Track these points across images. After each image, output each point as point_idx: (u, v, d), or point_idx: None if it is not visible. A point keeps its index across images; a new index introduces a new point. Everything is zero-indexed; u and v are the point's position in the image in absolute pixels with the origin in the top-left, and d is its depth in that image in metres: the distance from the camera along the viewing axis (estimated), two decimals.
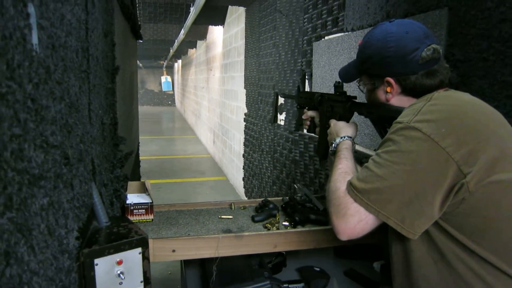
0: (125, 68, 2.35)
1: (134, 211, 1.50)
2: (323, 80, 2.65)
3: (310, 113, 1.57)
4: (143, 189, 1.60)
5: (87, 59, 1.06)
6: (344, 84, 1.43)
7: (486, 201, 0.90)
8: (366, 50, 1.15)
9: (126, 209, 1.50)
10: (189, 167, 8.24)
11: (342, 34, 2.40)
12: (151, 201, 1.53)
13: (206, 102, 10.06)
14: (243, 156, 5.40)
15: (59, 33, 0.75)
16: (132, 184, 1.60)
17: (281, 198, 1.76)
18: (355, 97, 1.40)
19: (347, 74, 1.28)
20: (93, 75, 1.16)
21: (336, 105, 1.42)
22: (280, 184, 3.65)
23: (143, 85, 26.97)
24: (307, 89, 3.03)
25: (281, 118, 3.64)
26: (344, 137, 1.28)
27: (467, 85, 1.46)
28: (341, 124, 1.35)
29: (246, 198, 5.29)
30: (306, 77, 3.00)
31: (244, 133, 5.30)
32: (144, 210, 1.51)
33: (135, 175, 2.36)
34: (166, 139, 12.31)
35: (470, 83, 1.45)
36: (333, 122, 1.39)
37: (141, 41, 4.13)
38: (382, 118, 1.16)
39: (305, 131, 1.69)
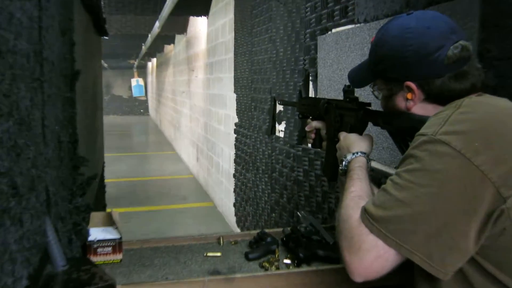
0: (87, 72, 2.36)
1: (98, 250, 1.49)
2: (330, 82, 2.67)
3: (315, 123, 1.58)
4: (110, 222, 1.60)
5: (40, 64, 1.07)
6: (355, 88, 1.45)
7: None
8: (379, 49, 1.17)
9: (88, 247, 1.48)
10: (167, 191, 8.22)
11: (353, 26, 2.44)
12: (119, 237, 1.52)
13: (188, 109, 10.08)
14: (234, 176, 5.39)
15: (6, 35, 0.76)
16: (95, 216, 1.60)
17: (281, 229, 1.76)
18: (369, 104, 1.42)
19: (358, 77, 1.30)
20: (48, 84, 1.17)
21: (347, 114, 1.43)
22: (280, 211, 3.65)
23: (109, 90, 26.99)
24: (311, 93, 3.05)
25: (280, 128, 3.66)
26: (357, 153, 1.28)
27: (506, 87, 1.48)
28: (353, 137, 1.36)
29: (238, 229, 5.28)
30: (310, 78, 3.03)
31: (235, 148, 5.31)
32: (110, 249, 1.50)
33: (100, 204, 2.36)
34: (138, 156, 12.28)
35: (510, 86, 1.47)
36: (343, 135, 1.39)
37: (107, 38, 4.15)
38: (403, 129, 1.18)
39: (309, 145, 1.70)
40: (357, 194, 1.10)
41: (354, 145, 1.32)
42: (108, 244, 1.50)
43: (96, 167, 2.90)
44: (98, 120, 3.05)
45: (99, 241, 1.49)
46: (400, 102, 1.16)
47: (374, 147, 2.23)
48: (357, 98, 1.42)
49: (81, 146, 1.73)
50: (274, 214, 3.86)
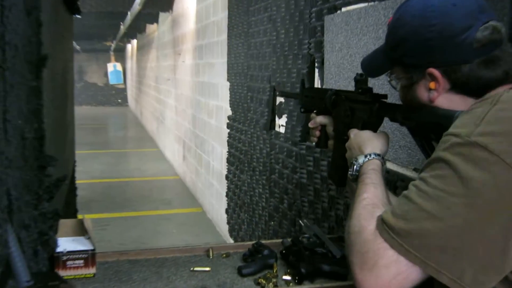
0: (56, 56, 2.35)
1: (68, 262, 1.49)
2: (339, 69, 2.68)
3: (320, 119, 1.58)
4: (81, 230, 1.60)
5: (2, 49, 1.07)
6: (369, 78, 1.45)
7: None
8: (398, 30, 1.17)
9: (56, 260, 1.48)
10: (148, 194, 8.23)
11: (366, 4, 2.44)
12: (92, 248, 1.52)
13: (173, 100, 10.08)
14: (227, 178, 5.41)
15: None
16: (65, 224, 1.60)
17: (280, 240, 1.76)
18: (386, 96, 1.42)
19: (373, 65, 1.30)
20: (11, 71, 1.17)
21: (359, 108, 1.43)
22: (280, 218, 3.66)
23: (82, 76, 26.95)
24: (316, 83, 3.06)
25: (281, 123, 3.67)
26: (371, 154, 1.28)
27: None
28: (366, 135, 1.35)
29: (231, 240, 5.29)
30: (316, 65, 3.04)
31: (228, 145, 5.31)
32: (82, 261, 1.50)
33: (70, 209, 2.36)
34: (115, 154, 12.28)
35: None
36: (353, 132, 1.39)
37: (79, 16, 4.13)
38: (425, 126, 1.18)
39: (313, 144, 1.71)
40: (370, 201, 1.10)
41: (367, 145, 1.32)
42: (79, 256, 1.50)
43: (66, 167, 2.90)
44: (68, 112, 3.04)
45: (69, 252, 1.49)
46: (422, 93, 1.16)
47: (390, 145, 2.25)
48: (371, 89, 1.42)
49: (48, 143, 1.73)
50: (272, 223, 3.87)
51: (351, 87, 2.65)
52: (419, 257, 0.93)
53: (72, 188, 3.17)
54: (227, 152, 5.36)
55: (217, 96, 6.03)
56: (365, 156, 1.28)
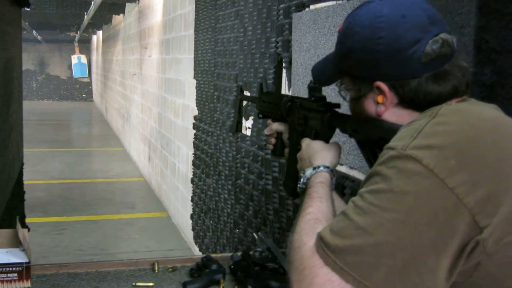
0: None
1: (1, 276, 1.47)
2: (306, 70, 2.69)
3: (276, 126, 1.58)
4: (18, 241, 1.58)
5: None
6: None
7: (509, 268, 0.92)
8: (346, 40, 1.17)
9: None
10: (110, 196, 8.17)
11: (335, 2, 2.45)
12: (27, 260, 1.51)
13: (139, 96, 10.02)
14: (192, 181, 5.39)
15: None
16: (0, 234, 1.58)
17: (230, 254, 1.76)
18: (338, 105, 1.43)
19: (323, 74, 1.30)
20: None
21: (311, 116, 1.44)
22: (245, 226, 3.66)
23: (43, 68, 26.61)
24: (284, 84, 3.06)
25: (247, 125, 3.67)
26: (319, 167, 1.29)
27: (505, 86, 1.51)
28: (317, 145, 1.36)
29: (195, 247, 5.28)
30: (284, 64, 3.04)
31: (194, 147, 5.30)
32: (16, 275, 1.48)
33: (13, 216, 2.31)
34: (77, 153, 12.17)
35: (510, 84, 1.50)
36: (305, 142, 1.40)
37: (28, 9, 4.07)
38: (371, 139, 1.19)
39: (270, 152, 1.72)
40: (314, 216, 1.10)
41: (316, 156, 1.32)
42: (13, 269, 1.48)
43: (8, 171, 2.85)
44: (12, 112, 2.99)
45: (2, 265, 1.48)
46: (370, 106, 1.16)
47: (356, 153, 2.25)
48: (324, 97, 1.42)
49: None
50: (237, 230, 3.87)
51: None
52: (352, 274, 0.93)
53: (18, 192, 3.12)
54: (193, 154, 5.35)
55: (184, 94, 6.01)
56: (313, 169, 1.29)
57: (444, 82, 1.09)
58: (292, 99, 1.54)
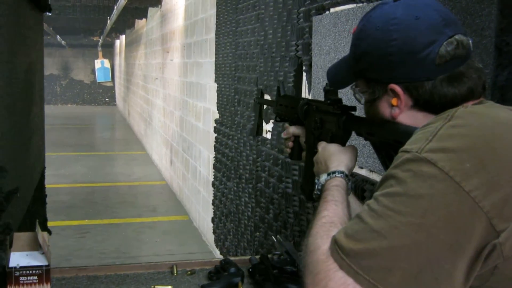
0: (15, 61, 2.35)
1: (21, 278, 1.48)
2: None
3: (293, 129, 1.58)
4: (37, 244, 1.60)
5: None
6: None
7: None
8: (360, 42, 1.17)
9: (8, 276, 1.48)
10: (133, 200, 8.23)
11: (355, 5, 2.44)
12: (47, 263, 1.52)
13: (161, 100, 10.08)
14: (213, 185, 5.40)
15: None
16: (20, 237, 1.60)
17: (248, 257, 1.77)
18: (354, 108, 1.42)
19: (338, 76, 1.30)
20: None
21: (328, 120, 1.44)
22: (265, 229, 3.65)
23: (67, 73, 26.93)
24: (304, 87, 3.06)
25: (268, 129, 3.67)
26: (334, 173, 1.29)
27: None
28: (333, 149, 1.36)
29: (216, 250, 5.29)
30: (304, 68, 3.04)
31: (215, 150, 5.31)
32: (36, 277, 1.49)
33: (34, 219, 2.33)
34: (100, 157, 12.27)
35: None
36: (321, 145, 1.40)
37: (50, 14, 4.11)
38: (386, 142, 1.18)
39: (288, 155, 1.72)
40: (329, 220, 1.10)
41: (332, 160, 1.33)
42: (33, 272, 1.50)
43: (30, 174, 2.88)
44: (33, 116, 3.03)
45: (22, 268, 1.49)
46: (384, 108, 1.16)
47: (376, 157, 2.24)
48: (340, 100, 1.42)
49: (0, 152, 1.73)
50: (258, 233, 3.86)
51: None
52: (366, 278, 0.93)
53: (39, 196, 3.16)
54: (214, 157, 5.36)
55: (205, 98, 6.03)
56: (328, 175, 1.29)
57: (459, 84, 1.09)
58: (309, 102, 1.54)
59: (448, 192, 0.90)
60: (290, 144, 1.61)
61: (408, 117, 1.13)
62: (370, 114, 1.22)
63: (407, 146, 0.99)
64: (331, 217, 1.11)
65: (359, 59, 1.18)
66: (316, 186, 1.30)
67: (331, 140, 1.40)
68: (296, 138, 1.59)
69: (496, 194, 0.90)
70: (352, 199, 1.41)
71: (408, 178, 0.94)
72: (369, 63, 1.15)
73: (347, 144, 1.43)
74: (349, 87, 1.30)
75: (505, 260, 0.91)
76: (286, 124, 1.64)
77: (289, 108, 1.64)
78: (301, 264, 1.17)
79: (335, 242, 0.99)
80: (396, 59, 1.10)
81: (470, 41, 1.10)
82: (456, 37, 1.08)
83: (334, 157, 1.33)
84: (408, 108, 1.13)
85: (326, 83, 1.43)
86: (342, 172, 1.29)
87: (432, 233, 0.90)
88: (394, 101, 1.13)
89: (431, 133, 0.97)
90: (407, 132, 1.07)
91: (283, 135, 1.62)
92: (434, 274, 0.91)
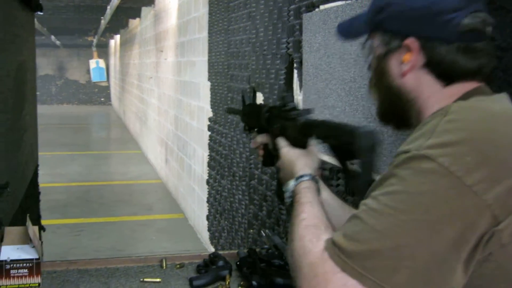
0: (5, 59, 2.35)
1: (12, 271, 1.50)
2: (317, 70, 2.69)
3: (260, 138, 1.58)
4: (27, 238, 1.61)
5: None
6: (294, 94, 1.45)
7: None
8: None
9: None
10: (128, 198, 8.23)
11: (344, 2, 2.45)
12: (37, 257, 1.53)
13: (155, 99, 10.08)
14: (208, 183, 5.41)
15: None
16: (11, 231, 1.61)
17: (236, 251, 1.78)
18: (310, 111, 1.44)
19: (351, 26, 1.28)
20: None
21: (288, 125, 1.44)
22: (258, 226, 3.67)
23: (62, 73, 26.87)
24: (295, 84, 3.07)
25: None
26: (302, 176, 1.29)
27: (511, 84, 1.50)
28: (294, 154, 1.36)
29: (211, 247, 5.30)
30: (295, 65, 3.04)
31: (209, 148, 5.32)
32: (26, 270, 1.51)
33: (25, 215, 2.34)
34: (95, 156, 12.26)
35: None
36: (284, 150, 1.40)
37: (41, 13, 4.10)
38: (341, 144, 1.19)
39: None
40: (311, 222, 1.10)
41: (296, 164, 1.33)
42: (24, 265, 1.51)
43: (22, 171, 2.89)
44: (26, 114, 3.03)
45: (12, 261, 1.50)
46: (394, 66, 1.15)
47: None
48: (295, 106, 1.44)
49: None
50: (252, 230, 3.87)
51: (328, 89, 2.67)
52: (372, 279, 0.92)
53: (32, 193, 3.16)
54: (208, 155, 5.37)
55: (199, 96, 6.03)
56: (296, 179, 1.29)
57: (472, 58, 1.08)
58: (270, 109, 1.54)
59: (450, 188, 0.90)
60: (261, 152, 1.60)
61: (414, 78, 1.12)
62: (378, 71, 1.21)
63: (405, 146, 0.98)
64: (312, 219, 1.11)
65: (381, 8, 1.16)
66: (287, 194, 1.29)
67: (293, 145, 1.40)
68: (265, 146, 1.58)
69: (498, 186, 0.90)
70: (329, 196, 1.42)
71: (408, 176, 0.93)
72: (391, 12, 1.14)
73: None
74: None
75: (501, 247, 0.91)
76: (254, 133, 1.64)
77: (254, 116, 1.62)
78: (291, 268, 1.18)
79: (333, 244, 0.97)
80: (421, 14, 1.09)
81: (491, 27, 1.10)
82: (482, 14, 1.08)
83: (298, 161, 1.33)
84: (418, 68, 1.11)
85: (283, 90, 1.43)
86: (308, 175, 1.29)
87: (436, 230, 0.90)
88: (406, 56, 1.11)
89: (430, 131, 0.97)
90: (353, 132, 1.10)
91: (251, 145, 1.61)
92: (439, 270, 0.90)
